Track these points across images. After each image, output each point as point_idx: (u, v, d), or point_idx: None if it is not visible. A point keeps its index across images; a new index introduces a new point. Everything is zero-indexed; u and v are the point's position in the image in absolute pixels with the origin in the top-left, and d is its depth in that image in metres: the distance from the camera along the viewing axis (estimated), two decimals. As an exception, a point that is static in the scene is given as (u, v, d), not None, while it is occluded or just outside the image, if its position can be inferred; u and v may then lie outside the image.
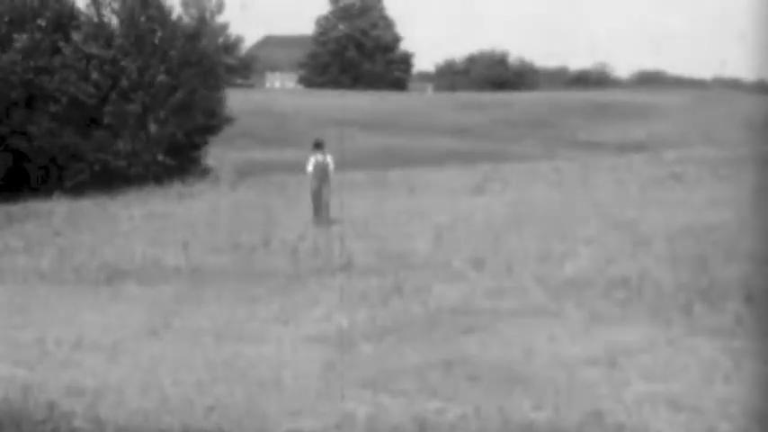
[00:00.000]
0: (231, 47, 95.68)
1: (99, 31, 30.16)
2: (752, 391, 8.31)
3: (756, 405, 7.98)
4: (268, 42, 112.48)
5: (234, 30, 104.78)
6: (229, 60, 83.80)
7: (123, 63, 29.65)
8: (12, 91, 28.93)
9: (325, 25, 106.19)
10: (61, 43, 29.66)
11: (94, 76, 29.26)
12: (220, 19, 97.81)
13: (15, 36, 29.48)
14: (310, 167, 19.59)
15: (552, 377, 8.93)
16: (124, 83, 29.49)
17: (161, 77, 29.71)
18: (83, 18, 30.84)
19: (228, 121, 32.05)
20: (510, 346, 10.07)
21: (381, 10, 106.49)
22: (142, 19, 30.35)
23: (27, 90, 29.17)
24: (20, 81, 29.07)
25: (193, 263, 16.06)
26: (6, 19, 29.88)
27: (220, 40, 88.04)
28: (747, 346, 9.50)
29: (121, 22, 30.36)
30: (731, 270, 12.82)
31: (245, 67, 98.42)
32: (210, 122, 31.35)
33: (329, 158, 19.71)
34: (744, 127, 41.61)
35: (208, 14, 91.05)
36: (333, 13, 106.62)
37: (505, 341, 10.26)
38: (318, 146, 19.87)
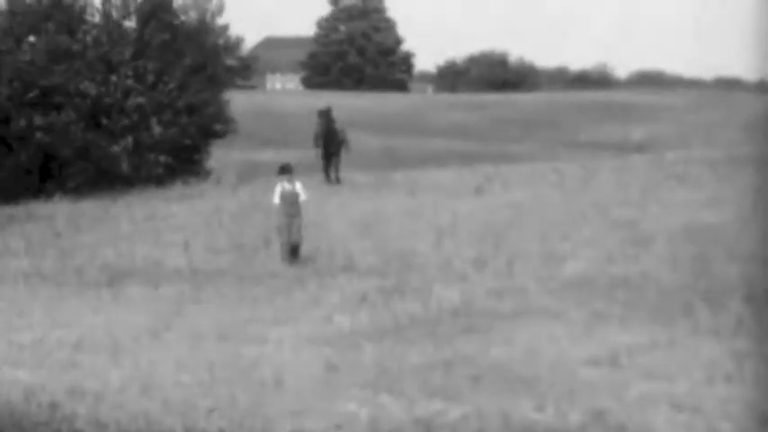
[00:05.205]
0: (232, 48, 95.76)
1: (114, 32, 30.29)
2: (753, 392, 8.31)
3: (758, 405, 7.98)
4: (268, 44, 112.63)
5: (234, 31, 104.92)
6: (230, 61, 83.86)
7: (134, 65, 29.74)
8: (24, 92, 29.00)
9: (326, 27, 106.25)
10: (76, 45, 29.73)
11: (114, 78, 29.36)
12: (221, 20, 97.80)
13: (31, 39, 29.61)
14: (277, 198, 16.11)
15: (553, 377, 8.94)
16: (135, 84, 29.57)
17: (168, 80, 29.80)
18: (92, 19, 30.96)
19: (232, 127, 32.21)
20: (511, 346, 10.07)
21: (382, 11, 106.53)
22: (153, 22, 30.51)
23: (40, 90, 29.22)
24: (32, 82, 29.13)
25: (195, 264, 16.08)
26: (19, 20, 29.97)
27: (221, 41, 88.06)
28: (749, 347, 9.50)
29: (135, 24, 30.53)
30: (732, 270, 12.83)
31: (246, 68, 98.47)
32: (215, 127, 31.49)
33: (299, 186, 16.19)
34: (744, 127, 41.61)
35: (208, 16, 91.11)
36: (334, 14, 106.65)
37: (507, 341, 10.26)
38: (285, 171, 16.32)
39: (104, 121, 29.40)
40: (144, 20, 30.50)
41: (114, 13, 30.87)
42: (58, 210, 24.44)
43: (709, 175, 23.04)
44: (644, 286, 12.43)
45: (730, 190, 19.58)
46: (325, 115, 26.33)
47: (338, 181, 25.97)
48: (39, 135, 28.47)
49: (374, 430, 7.82)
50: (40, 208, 25.03)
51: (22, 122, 28.50)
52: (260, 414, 8.18)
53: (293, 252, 15.87)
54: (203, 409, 8.32)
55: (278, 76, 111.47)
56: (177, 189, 27.20)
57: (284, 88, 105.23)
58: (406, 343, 10.34)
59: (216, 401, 8.53)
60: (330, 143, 26.01)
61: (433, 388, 8.72)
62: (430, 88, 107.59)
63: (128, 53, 29.90)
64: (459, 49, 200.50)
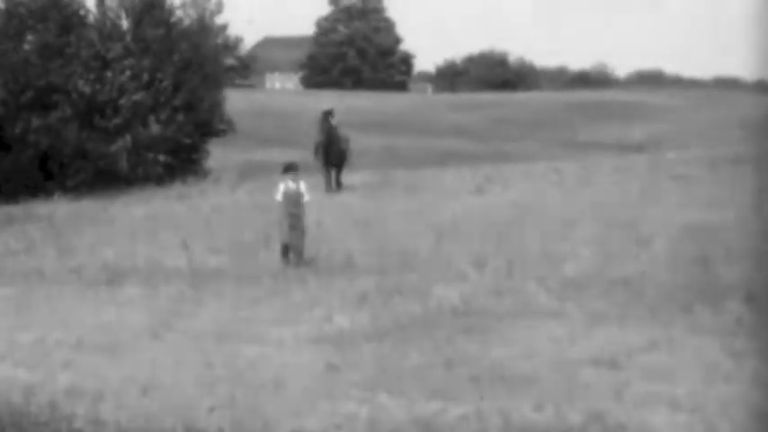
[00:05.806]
0: (231, 47, 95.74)
1: (111, 30, 30.35)
2: (752, 391, 8.31)
3: (757, 405, 7.98)
4: (267, 43, 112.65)
5: (233, 30, 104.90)
6: (229, 61, 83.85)
7: (129, 63, 29.76)
8: (22, 91, 29.01)
9: (325, 27, 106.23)
10: (71, 46, 29.76)
11: (109, 74, 29.39)
12: (220, 20, 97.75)
13: (28, 37, 29.66)
14: (280, 196, 15.70)
15: (553, 377, 8.94)
16: (130, 83, 29.59)
17: (162, 77, 29.81)
18: (91, 18, 31.03)
19: (231, 126, 32.25)
20: (510, 346, 10.07)
21: (382, 11, 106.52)
22: (147, 20, 30.53)
23: (37, 90, 29.22)
24: (30, 80, 29.13)
25: (194, 263, 16.06)
26: (16, 20, 30.01)
27: (220, 40, 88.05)
28: (748, 346, 9.50)
29: (129, 22, 30.58)
30: (731, 270, 12.83)
31: (245, 68, 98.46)
32: (213, 126, 31.52)
33: (303, 186, 15.77)
34: (744, 127, 41.61)
35: (207, 15, 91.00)
36: (333, 14, 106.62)
37: (506, 341, 10.26)
38: (291, 169, 15.87)
39: (99, 120, 29.41)
40: (138, 17, 30.52)
41: (109, 13, 30.90)
42: (58, 209, 24.44)
43: (709, 175, 23.06)
44: (643, 286, 12.42)
45: (730, 190, 19.58)
46: (327, 119, 24.48)
47: (339, 186, 24.43)
48: (35, 137, 28.49)
49: (374, 430, 7.82)
50: (40, 207, 25.03)
51: (20, 126, 28.52)
52: (260, 414, 8.18)
53: (292, 252, 15.64)
54: (203, 409, 8.33)
55: (276, 75, 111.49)
56: (176, 188, 27.20)
57: (283, 87, 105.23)
58: (406, 343, 10.33)
59: (216, 401, 8.53)
60: (331, 151, 24.08)
61: (432, 388, 8.72)
62: (429, 88, 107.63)
63: (120, 48, 29.90)
64: (459, 49, 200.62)
